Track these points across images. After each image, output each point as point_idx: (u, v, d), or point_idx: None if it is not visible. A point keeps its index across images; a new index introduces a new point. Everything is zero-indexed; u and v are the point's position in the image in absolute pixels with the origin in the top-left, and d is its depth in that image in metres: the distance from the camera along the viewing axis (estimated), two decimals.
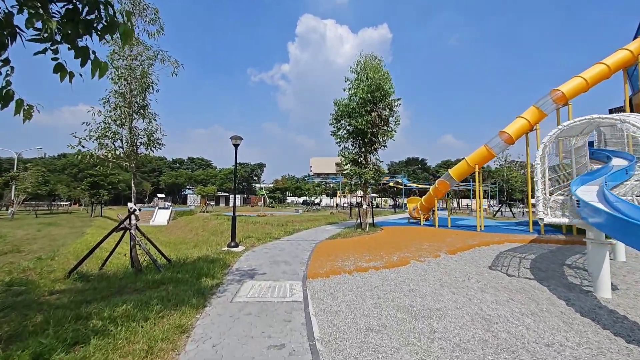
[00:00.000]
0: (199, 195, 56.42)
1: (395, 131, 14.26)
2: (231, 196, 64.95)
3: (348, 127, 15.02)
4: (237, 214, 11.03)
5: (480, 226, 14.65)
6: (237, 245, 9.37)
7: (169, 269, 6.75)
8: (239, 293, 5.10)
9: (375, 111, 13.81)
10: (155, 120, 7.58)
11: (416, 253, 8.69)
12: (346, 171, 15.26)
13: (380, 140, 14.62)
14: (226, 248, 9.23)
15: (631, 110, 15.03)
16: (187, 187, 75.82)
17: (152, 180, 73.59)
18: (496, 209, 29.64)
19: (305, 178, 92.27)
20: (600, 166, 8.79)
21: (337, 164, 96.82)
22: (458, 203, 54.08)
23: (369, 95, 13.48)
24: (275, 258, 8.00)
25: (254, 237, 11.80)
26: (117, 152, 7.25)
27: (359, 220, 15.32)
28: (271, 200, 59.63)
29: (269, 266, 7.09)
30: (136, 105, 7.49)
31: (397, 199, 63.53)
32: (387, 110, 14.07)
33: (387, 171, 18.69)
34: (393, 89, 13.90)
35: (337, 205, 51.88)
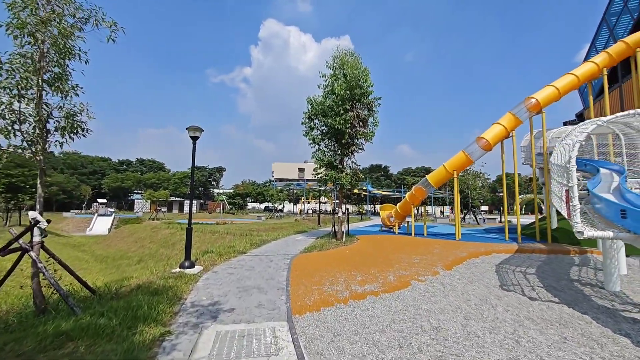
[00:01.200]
0: (149, 201, 51.04)
1: (374, 133, 13.22)
2: (186, 202, 59.96)
3: (323, 127, 13.70)
4: (193, 221, 8.99)
5: (458, 235, 14.15)
6: (192, 265, 7.35)
7: (91, 307, 4.69)
8: (195, 354, 3.33)
9: (353, 110, 12.66)
10: (77, 95, 5.45)
11: (411, 270, 7.49)
12: (320, 175, 13.85)
13: (358, 142, 13.50)
14: (178, 269, 7.18)
15: None
16: (135, 191, 68.64)
17: (92, 183, 65.43)
18: (461, 216, 30.35)
19: (267, 183, 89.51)
20: (591, 176, 8.45)
21: (301, 170, 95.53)
22: (417, 209, 55.75)
23: (347, 92, 12.29)
24: (245, 282, 6.23)
25: (214, 252, 9.78)
26: (17, 140, 5.02)
27: (333, 229, 13.94)
28: (231, 206, 56.08)
29: (237, 296, 5.32)
30: (50, 74, 5.32)
31: (360, 206, 63.85)
32: (367, 109, 13.00)
33: (363, 177, 17.57)
34: (372, 87, 12.88)
35: (300, 212, 50.24)
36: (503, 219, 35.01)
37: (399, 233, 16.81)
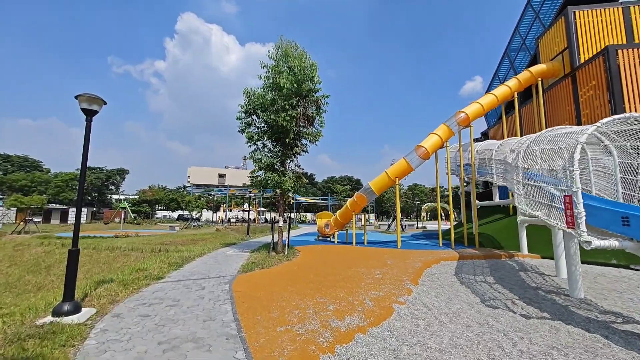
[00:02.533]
0: (13, 208, 39.26)
1: (321, 134, 12.10)
2: (72, 210, 48.48)
3: (263, 125, 11.97)
4: (83, 235, 6.14)
5: (399, 242, 14.08)
6: (77, 308, 4.71)
7: None
8: None
9: (300, 106, 11.34)
10: None
11: (381, 288, 6.45)
12: (258, 179, 12.00)
13: (303, 143, 12.20)
14: (50, 318, 4.49)
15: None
16: None
17: None
18: (388, 223, 31.83)
19: (181, 189, 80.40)
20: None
21: (221, 175, 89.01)
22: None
23: (295, 85, 10.92)
24: (170, 331, 4.12)
25: (115, 280, 6.95)
26: None
27: (273, 241, 12.16)
28: (135, 215, 47.63)
29: None
30: None
31: (285, 214, 62.49)
32: (314, 107, 11.83)
33: (307, 181, 16.22)
34: (320, 84, 11.81)
35: (222, 220, 45.86)
36: (419, 225, 38.43)
37: (338, 243, 16.02)
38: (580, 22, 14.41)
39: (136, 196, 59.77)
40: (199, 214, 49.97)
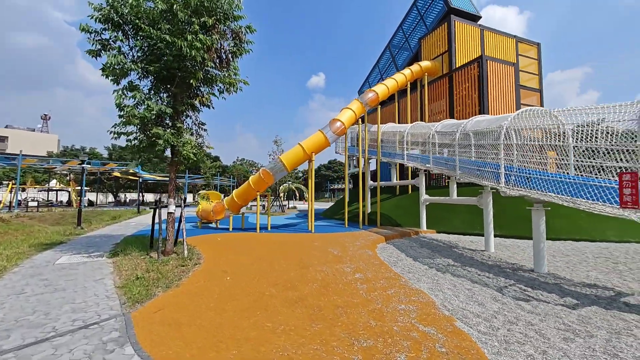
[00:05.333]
0: None
1: (237, 87, 8.38)
2: None
3: (139, 51, 7.33)
4: None
5: (311, 226, 12.54)
6: None
7: None
8: None
9: (217, 32, 7.46)
10: None
11: (389, 292, 4.63)
12: (133, 135, 7.33)
13: (208, 93, 8.34)
14: None
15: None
16: None
17: None
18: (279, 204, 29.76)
19: None
20: None
21: (1, 138, 60.74)
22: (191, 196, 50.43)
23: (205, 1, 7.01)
24: None
25: None
26: None
27: (161, 237, 7.82)
28: None
29: None
30: None
31: (118, 194, 49.27)
32: (232, 40, 8.10)
33: (212, 147, 11.27)
34: (242, 8, 8.12)
35: (10, 204, 30.15)
36: (291, 206, 38.60)
37: (232, 229, 12.84)
38: (457, 31, 16.95)
39: None
40: None
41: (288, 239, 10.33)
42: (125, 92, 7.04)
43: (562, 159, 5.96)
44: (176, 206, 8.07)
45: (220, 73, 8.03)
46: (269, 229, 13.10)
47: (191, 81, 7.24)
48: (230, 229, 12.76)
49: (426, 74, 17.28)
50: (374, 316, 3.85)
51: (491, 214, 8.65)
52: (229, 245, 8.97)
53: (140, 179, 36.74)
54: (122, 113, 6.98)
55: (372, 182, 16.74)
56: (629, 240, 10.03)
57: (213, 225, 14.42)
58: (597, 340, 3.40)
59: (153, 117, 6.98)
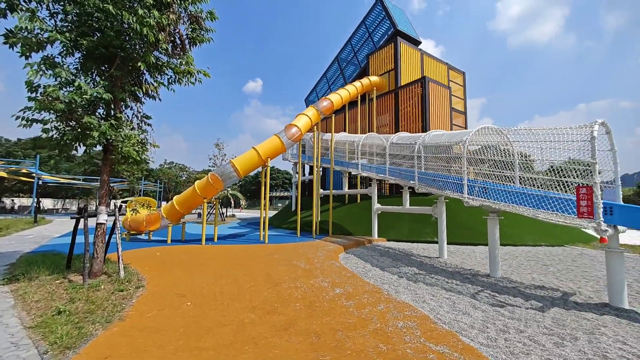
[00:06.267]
0: None
1: (196, 77, 7.24)
2: None
3: (72, 12, 5.84)
4: None
5: (265, 236, 11.68)
6: None
7: None
8: None
9: (172, 12, 6.37)
10: None
11: (383, 312, 4.35)
12: (51, 124, 5.69)
13: (157, 80, 7.09)
14: None
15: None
16: None
17: None
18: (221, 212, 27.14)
19: None
20: None
21: None
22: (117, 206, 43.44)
23: None
24: None
25: None
26: None
27: (92, 254, 6.13)
28: None
29: None
30: None
31: (2, 199, 39.90)
32: (189, 24, 7.03)
33: (158, 145, 9.14)
34: None
35: None
36: (229, 214, 36.12)
37: (171, 242, 11.21)
38: (403, 52, 18.25)
39: None
40: None
41: (242, 251, 9.37)
42: (44, 69, 5.46)
43: (505, 172, 6.66)
44: (108, 215, 6.53)
45: (172, 60, 6.90)
46: (215, 240, 11.79)
47: (139, 64, 6.02)
48: (169, 242, 11.08)
49: (375, 88, 18.15)
50: (380, 338, 3.49)
51: (445, 223, 9.20)
52: (173, 262, 7.65)
53: (39, 181, 30.11)
54: (35, 95, 5.39)
55: (322, 190, 16.63)
56: (541, 244, 11.81)
57: (144, 237, 12.39)
58: (582, 343, 3.63)
59: (84, 103, 5.54)
